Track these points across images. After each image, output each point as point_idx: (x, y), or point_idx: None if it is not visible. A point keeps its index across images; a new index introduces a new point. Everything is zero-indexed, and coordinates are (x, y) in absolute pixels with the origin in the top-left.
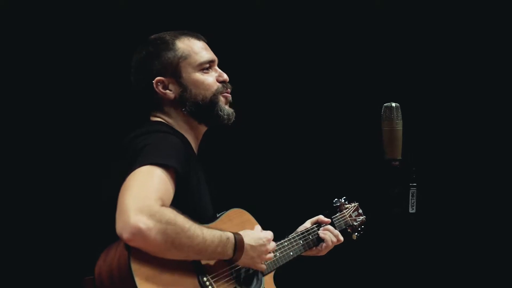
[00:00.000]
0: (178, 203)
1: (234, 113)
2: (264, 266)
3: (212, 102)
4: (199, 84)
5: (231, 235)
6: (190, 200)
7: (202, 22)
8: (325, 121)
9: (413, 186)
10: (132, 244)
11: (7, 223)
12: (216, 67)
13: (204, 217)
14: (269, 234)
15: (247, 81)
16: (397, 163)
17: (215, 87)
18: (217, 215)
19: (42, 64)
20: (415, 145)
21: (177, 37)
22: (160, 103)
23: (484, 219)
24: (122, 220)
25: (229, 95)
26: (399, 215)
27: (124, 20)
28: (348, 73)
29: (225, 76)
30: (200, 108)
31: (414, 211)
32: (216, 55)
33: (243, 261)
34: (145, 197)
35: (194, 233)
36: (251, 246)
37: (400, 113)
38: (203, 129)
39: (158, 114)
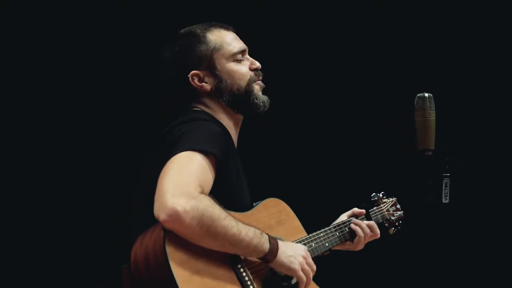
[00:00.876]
0: (216, 190)
1: (268, 100)
2: (303, 276)
3: (247, 92)
4: (233, 74)
5: (265, 233)
6: (228, 188)
7: (202, 22)
8: (359, 112)
9: (447, 177)
10: (167, 225)
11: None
12: (248, 56)
13: (241, 206)
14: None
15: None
16: (430, 153)
17: (248, 76)
18: (254, 204)
19: (42, 64)
20: (448, 135)
21: (207, 29)
22: (197, 96)
23: None
24: (160, 202)
25: (261, 82)
26: (432, 206)
27: (124, 20)
28: (381, 64)
29: (258, 64)
30: (237, 97)
31: (447, 201)
32: None
33: (279, 262)
34: (185, 182)
35: (229, 223)
36: (287, 245)
37: (433, 103)
38: (240, 117)
39: (196, 105)
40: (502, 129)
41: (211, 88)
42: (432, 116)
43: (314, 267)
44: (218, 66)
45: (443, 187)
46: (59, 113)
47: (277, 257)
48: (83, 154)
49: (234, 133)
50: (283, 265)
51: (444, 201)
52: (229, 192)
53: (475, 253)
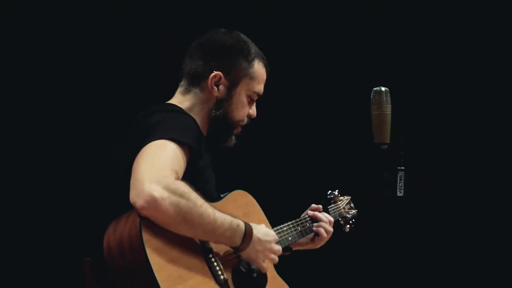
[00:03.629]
0: (188, 181)
1: (234, 142)
2: (266, 266)
3: (231, 127)
4: (240, 106)
5: (241, 223)
6: (198, 180)
7: (201, 21)
8: (315, 105)
9: (401, 170)
10: (144, 212)
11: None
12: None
13: (209, 198)
14: (274, 233)
15: None
16: (385, 147)
17: (243, 118)
18: (221, 196)
19: (42, 64)
20: (404, 129)
21: (258, 57)
22: (200, 88)
23: (472, 201)
24: (137, 188)
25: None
26: (388, 198)
27: (124, 20)
28: (338, 59)
29: (255, 115)
30: (223, 122)
31: (402, 194)
32: None
33: (247, 253)
34: (161, 168)
35: (205, 211)
36: (259, 239)
37: (389, 97)
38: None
39: (184, 94)
40: (457, 123)
41: (216, 97)
42: (388, 110)
43: (279, 252)
44: (238, 89)
45: (398, 181)
46: (60, 112)
47: (246, 250)
48: (79, 154)
49: (204, 132)
50: (249, 258)
51: (398, 194)
52: (198, 183)
53: (429, 245)
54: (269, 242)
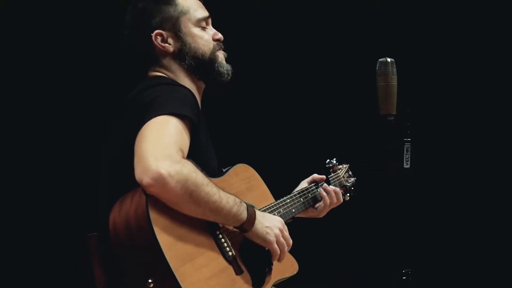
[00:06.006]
0: (190, 154)
1: (231, 69)
2: (277, 249)
3: (211, 59)
4: (197, 39)
5: (244, 202)
6: (199, 152)
7: None
8: (320, 76)
9: (408, 142)
10: (151, 190)
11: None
12: (211, 26)
13: (210, 171)
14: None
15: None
16: (392, 118)
17: (212, 44)
18: (223, 170)
19: (42, 64)
20: (410, 100)
21: None
22: (159, 58)
23: (478, 173)
24: (142, 166)
25: (225, 52)
26: (394, 170)
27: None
28: (343, 29)
29: (220, 35)
30: (200, 63)
31: (408, 166)
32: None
33: (255, 231)
34: (166, 146)
35: (211, 190)
36: (264, 215)
37: (395, 68)
38: (202, 85)
39: (157, 69)
40: (464, 93)
41: (173, 50)
42: (394, 81)
43: (291, 241)
44: (184, 29)
45: (405, 152)
46: (61, 113)
47: (253, 227)
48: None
49: (198, 98)
50: (259, 236)
51: (405, 166)
52: (200, 155)
53: (436, 217)
54: (278, 221)
